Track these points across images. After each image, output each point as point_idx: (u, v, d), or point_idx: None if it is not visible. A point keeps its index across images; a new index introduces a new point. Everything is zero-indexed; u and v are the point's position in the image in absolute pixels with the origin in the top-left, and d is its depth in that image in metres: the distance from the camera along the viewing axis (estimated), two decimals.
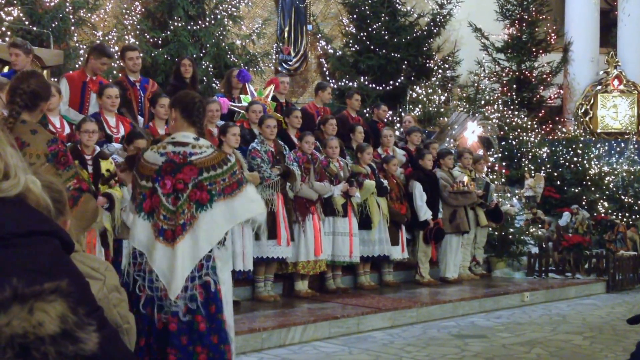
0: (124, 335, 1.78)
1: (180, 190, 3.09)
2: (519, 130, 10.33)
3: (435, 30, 11.24)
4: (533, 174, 9.59)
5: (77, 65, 6.79)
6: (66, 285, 0.89)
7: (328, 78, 10.58)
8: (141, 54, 6.65)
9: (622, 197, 9.99)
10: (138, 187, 3.20)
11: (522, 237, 8.35)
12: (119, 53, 7.73)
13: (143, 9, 8.75)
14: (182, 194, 3.09)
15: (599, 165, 10.34)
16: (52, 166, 3.29)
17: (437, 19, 11.24)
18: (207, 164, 3.12)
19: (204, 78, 8.16)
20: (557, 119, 12.14)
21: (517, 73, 11.93)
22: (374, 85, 10.40)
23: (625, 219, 9.41)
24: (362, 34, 10.80)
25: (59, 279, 0.89)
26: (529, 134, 10.37)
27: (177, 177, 3.10)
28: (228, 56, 8.78)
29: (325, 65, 10.88)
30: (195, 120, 3.23)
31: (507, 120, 10.45)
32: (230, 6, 9.10)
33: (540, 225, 8.80)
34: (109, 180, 4.71)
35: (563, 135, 11.26)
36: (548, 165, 10.00)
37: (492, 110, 10.44)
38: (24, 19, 6.84)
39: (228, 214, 3.10)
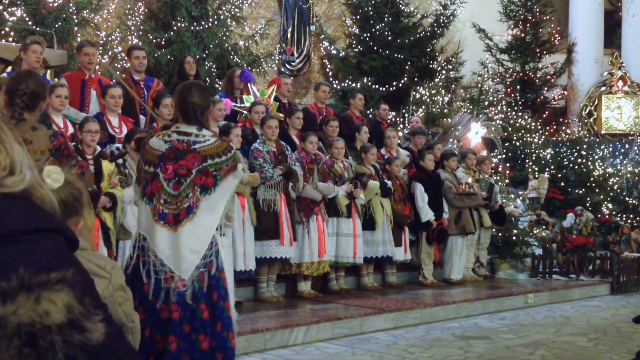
0: (128, 333, 1.78)
1: (182, 176, 3.14)
2: (522, 131, 10.31)
3: (438, 31, 11.22)
4: (537, 175, 9.57)
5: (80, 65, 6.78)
6: (72, 275, 0.89)
7: (331, 79, 10.57)
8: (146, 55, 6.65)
9: (627, 198, 9.95)
10: (142, 172, 3.25)
11: (525, 239, 8.33)
12: (122, 54, 7.75)
13: (146, 10, 8.74)
14: (185, 179, 3.14)
15: (603, 167, 10.31)
16: (56, 160, 3.34)
17: (441, 20, 11.23)
18: (211, 152, 3.17)
19: (207, 79, 8.16)
20: (561, 120, 12.11)
21: (520, 74, 11.91)
22: (377, 86, 10.38)
23: (629, 221, 9.37)
24: (365, 34, 10.79)
25: (65, 271, 0.89)
26: (533, 135, 10.34)
27: (179, 163, 3.15)
28: (231, 57, 8.77)
29: (329, 66, 10.87)
30: (190, 119, 3.25)
31: (511, 122, 10.44)
32: (233, 7, 9.10)
33: (544, 227, 8.77)
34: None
35: (567, 136, 11.23)
36: (552, 167, 9.98)
37: (496, 112, 10.42)
38: (27, 19, 6.85)
39: (224, 190, 3.20)
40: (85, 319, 0.87)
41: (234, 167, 3.23)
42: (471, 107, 9.99)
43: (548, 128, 11.45)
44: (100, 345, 0.87)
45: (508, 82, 11.84)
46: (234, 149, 3.28)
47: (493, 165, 8.74)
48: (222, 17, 8.88)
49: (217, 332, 3.05)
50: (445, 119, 9.58)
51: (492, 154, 8.99)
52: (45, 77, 5.70)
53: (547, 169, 9.84)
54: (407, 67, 10.63)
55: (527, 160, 9.99)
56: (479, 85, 11.20)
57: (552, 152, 10.21)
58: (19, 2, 6.87)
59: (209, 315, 3.04)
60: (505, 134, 10.08)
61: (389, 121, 8.60)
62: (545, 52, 12.04)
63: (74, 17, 7.47)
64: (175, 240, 3.08)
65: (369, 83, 10.35)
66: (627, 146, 11.32)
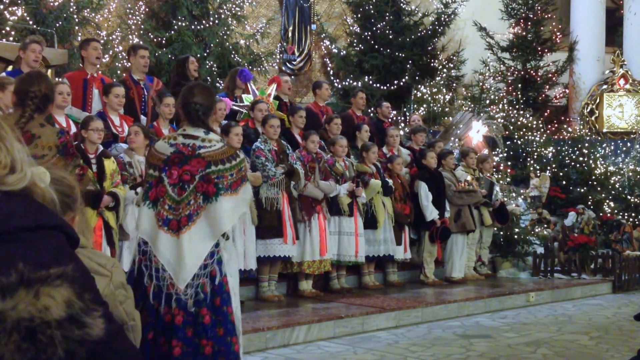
0: (129, 332, 1.77)
1: (186, 182, 3.12)
2: (524, 129, 10.30)
3: (439, 30, 11.22)
4: (538, 174, 9.56)
5: (81, 65, 6.80)
6: (72, 270, 0.89)
7: (332, 78, 10.56)
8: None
9: (628, 197, 9.94)
10: (146, 175, 3.26)
11: (527, 237, 8.32)
12: (122, 53, 7.75)
13: (147, 9, 8.75)
14: (189, 185, 3.11)
15: (604, 165, 10.30)
16: (61, 157, 3.38)
17: (442, 18, 11.22)
18: (216, 157, 3.13)
19: (208, 78, 8.16)
20: (562, 118, 12.10)
21: (522, 72, 11.90)
22: (378, 85, 10.38)
23: (631, 219, 9.36)
24: (366, 33, 10.78)
25: (65, 266, 0.89)
26: (535, 134, 10.34)
27: (183, 168, 3.13)
28: (232, 56, 8.78)
29: (330, 64, 10.88)
30: (193, 119, 3.24)
31: (512, 120, 10.43)
32: (234, 6, 9.10)
33: (545, 225, 8.76)
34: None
35: (568, 134, 11.22)
36: (553, 165, 9.97)
37: (497, 110, 10.42)
38: (28, 18, 6.85)
39: (233, 207, 3.13)
40: (85, 314, 0.87)
41: (242, 180, 3.14)
42: (472, 105, 9.98)
43: (549, 126, 11.44)
44: (100, 341, 0.87)
45: (509, 81, 11.83)
46: (240, 157, 3.21)
47: (494, 163, 8.74)
48: (222, 16, 8.87)
49: (220, 336, 3.04)
50: (446, 118, 9.57)
51: (493, 153, 8.98)
52: None
53: (548, 168, 9.83)
54: (408, 66, 10.62)
55: (528, 159, 9.98)
56: (480, 83, 11.20)
57: (553, 150, 10.20)
58: (19, 2, 6.87)
59: (210, 320, 3.04)
60: (507, 132, 10.07)
61: (390, 120, 8.60)
62: (546, 50, 12.03)
63: (75, 16, 7.47)
64: (177, 247, 3.06)
65: (370, 82, 10.34)
66: (628, 144, 11.31)
